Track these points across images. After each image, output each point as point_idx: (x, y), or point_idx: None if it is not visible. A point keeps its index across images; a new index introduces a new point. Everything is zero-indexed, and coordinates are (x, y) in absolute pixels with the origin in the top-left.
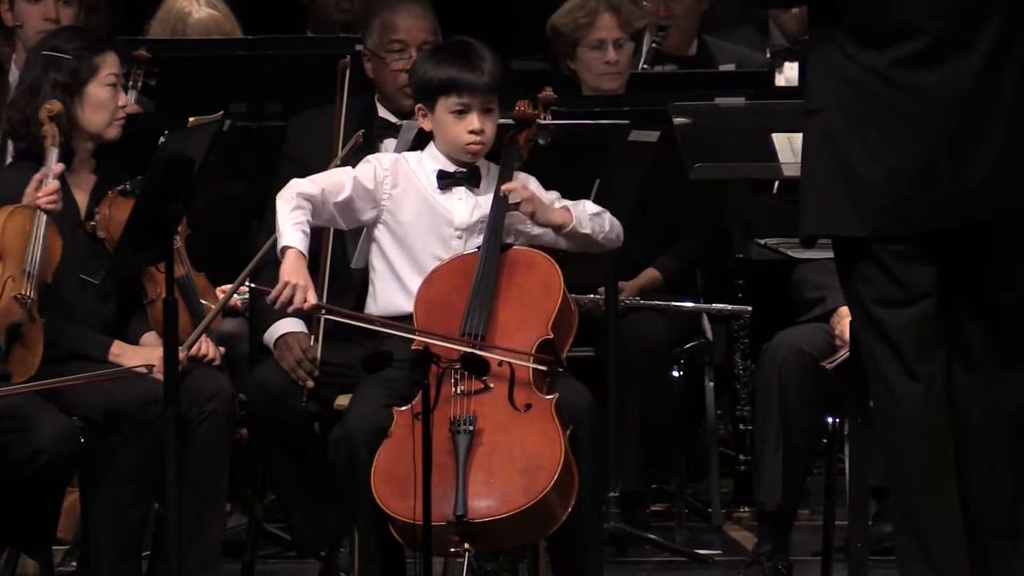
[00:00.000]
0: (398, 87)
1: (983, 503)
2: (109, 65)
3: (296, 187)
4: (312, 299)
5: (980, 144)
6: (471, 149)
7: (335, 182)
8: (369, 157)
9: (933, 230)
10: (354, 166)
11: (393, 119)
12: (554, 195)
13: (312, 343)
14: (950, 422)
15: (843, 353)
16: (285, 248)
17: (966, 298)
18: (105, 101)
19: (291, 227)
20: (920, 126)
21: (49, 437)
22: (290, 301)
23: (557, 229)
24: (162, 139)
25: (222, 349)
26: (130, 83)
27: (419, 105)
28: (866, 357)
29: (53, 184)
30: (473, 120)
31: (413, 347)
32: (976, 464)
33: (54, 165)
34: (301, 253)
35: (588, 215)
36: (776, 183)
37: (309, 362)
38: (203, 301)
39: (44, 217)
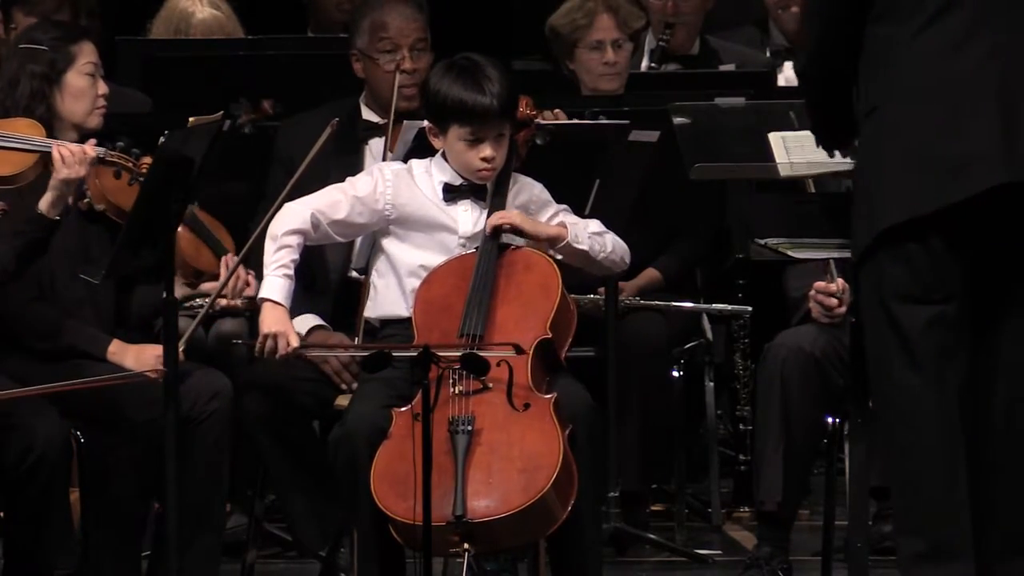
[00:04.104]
0: (393, 88)
1: (999, 513)
2: (86, 54)
3: (286, 221)
4: (294, 342)
5: None
6: (482, 176)
7: (331, 202)
8: (373, 168)
9: (994, 185)
10: (338, 165)
11: (377, 120)
12: (561, 208)
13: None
14: (968, 428)
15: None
16: (263, 300)
17: (995, 298)
18: (84, 90)
19: (272, 274)
20: (969, 95)
21: (41, 436)
22: (274, 350)
23: (551, 243)
24: (162, 139)
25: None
26: None
27: (429, 125)
28: (876, 356)
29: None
30: (485, 149)
31: (413, 347)
32: (992, 475)
33: None
34: (277, 303)
35: (588, 233)
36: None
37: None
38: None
39: None
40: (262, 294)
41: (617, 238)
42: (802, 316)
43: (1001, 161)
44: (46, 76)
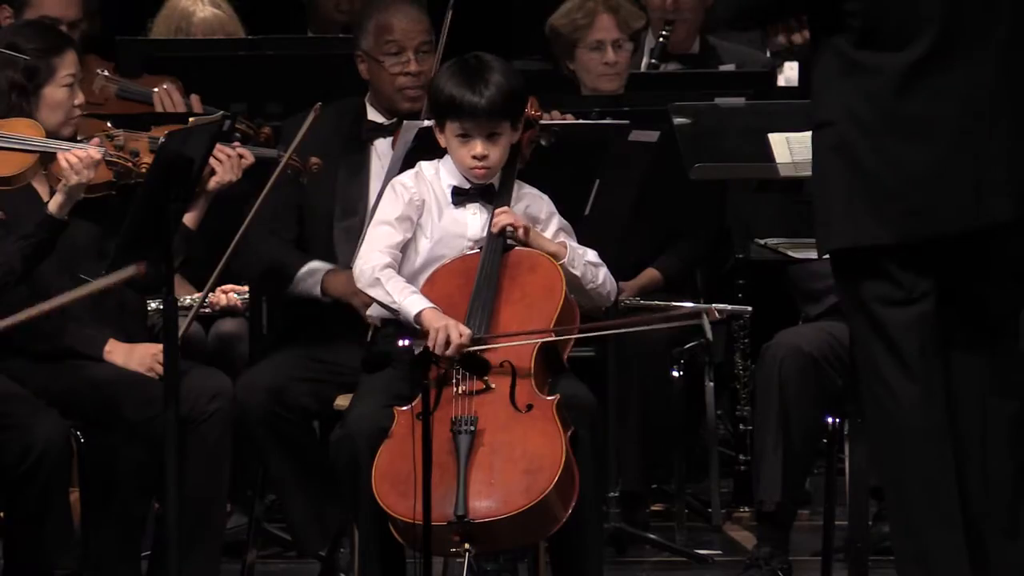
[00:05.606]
0: (396, 89)
1: (981, 502)
2: (67, 66)
3: (370, 264)
4: (466, 330)
5: (999, 144)
6: (475, 174)
7: (384, 235)
8: (392, 184)
9: (957, 232)
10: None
11: (382, 120)
12: (564, 225)
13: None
14: (949, 422)
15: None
16: (419, 314)
17: (960, 297)
18: (62, 102)
19: (406, 298)
20: (936, 127)
21: (41, 436)
22: (447, 341)
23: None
24: (162, 139)
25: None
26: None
27: (434, 122)
28: (863, 358)
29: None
30: (476, 146)
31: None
32: (974, 463)
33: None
34: (433, 307)
35: (585, 260)
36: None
37: None
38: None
39: None
40: (414, 310)
41: (610, 275)
42: (825, 309)
43: (963, 203)
44: (23, 88)
